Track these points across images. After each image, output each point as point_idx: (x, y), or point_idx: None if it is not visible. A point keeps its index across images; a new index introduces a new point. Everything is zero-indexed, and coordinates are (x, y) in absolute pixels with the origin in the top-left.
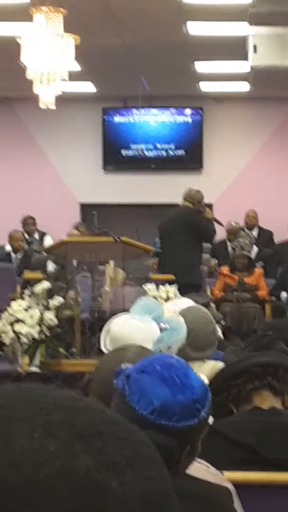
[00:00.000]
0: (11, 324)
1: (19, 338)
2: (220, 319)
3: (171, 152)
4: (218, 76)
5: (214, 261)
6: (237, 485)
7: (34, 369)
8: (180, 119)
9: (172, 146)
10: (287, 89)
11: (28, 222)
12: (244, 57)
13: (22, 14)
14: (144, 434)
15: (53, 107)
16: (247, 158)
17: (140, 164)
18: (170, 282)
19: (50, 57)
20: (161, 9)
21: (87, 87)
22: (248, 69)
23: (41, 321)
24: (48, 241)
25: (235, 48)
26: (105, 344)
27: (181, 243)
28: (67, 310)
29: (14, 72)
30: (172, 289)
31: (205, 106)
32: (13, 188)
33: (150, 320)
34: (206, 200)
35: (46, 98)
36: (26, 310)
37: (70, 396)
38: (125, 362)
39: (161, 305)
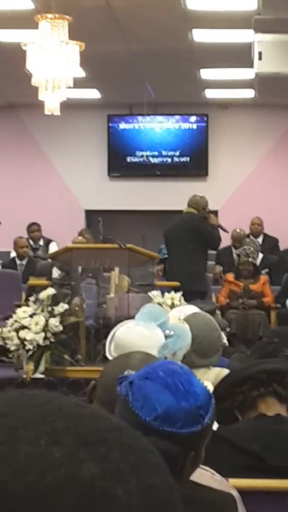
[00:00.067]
0: (16, 330)
1: (24, 344)
2: (225, 326)
3: (176, 159)
4: (223, 83)
5: (219, 268)
6: (242, 492)
7: (39, 375)
8: (185, 126)
9: (177, 153)
10: None
11: (33, 229)
12: (249, 64)
13: (27, 21)
14: (149, 440)
15: (58, 113)
16: (252, 165)
17: (145, 171)
18: (176, 289)
19: (55, 64)
20: (167, 16)
21: (92, 94)
22: (253, 76)
23: (46, 328)
24: (53, 248)
25: (240, 55)
26: (110, 350)
27: (186, 250)
28: (72, 317)
29: (19, 78)
30: (177, 296)
31: (210, 113)
32: (18, 194)
33: (155, 327)
34: (211, 207)
35: (51, 104)
36: (31, 316)
37: (74, 403)
38: (130, 368)
39: (166, 312)
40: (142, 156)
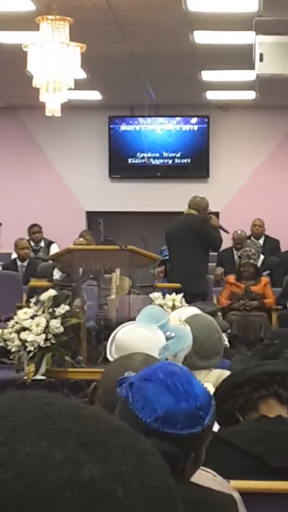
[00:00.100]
0: (17, 332)
1: (25, 346)
2: (227, 328)
3: (177, 161)
4: (224, 85)
5: (220, 270)
6: (244, 493)
7: (40, 377)
8: (186, 127)
9: (178, 155)
10: None
11: (34, 230)
12: (250, 66)
13: (28, 23)
14: (150, 442)
15: (59, 115)
16: (253, 166)
17: (146, 173)
18: (177, 291)
19: (56, 65)
20: (168, 18)
21: (93, 95)
22: (254, 78)
23: (47, 329)
24: (54, 249)
25: (241, 57)
26: (111, 352)
27: (187, 251)
28: (73, 318)
29: (20, 80)
30: (178, 298)
31: (211, 114)
32: (19, 196)
33: (156, 329)
34: (213, 208)
35: (52, 106)
36: (32, 318)
37: (75, 405)
38: (131, 370)
39: (167, 314)
40: (143, 157)
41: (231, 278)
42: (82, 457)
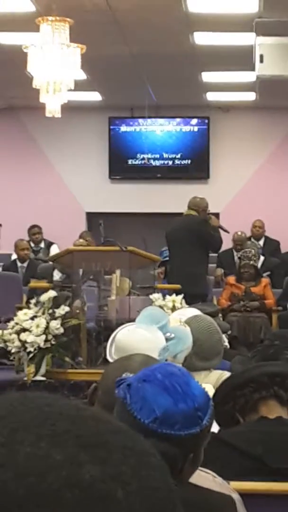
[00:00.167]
0: (17, 333)
1: (25, 347)
2: (227, 329)
3: (177, 162)
4: (224, 86)
5: (220, 271)
6: (244, 494)
7: (40, 378)
8: (187, 128)
9: (179, 156)
10: None
11: (34, 231)
12: (251, 67)
13: (28, 24)
14: (149, 443)
15: (59, 116)
16: (253, 167)
17: (146, 174)
18: (177, 292)
19: (56, 66)
20: (168, 19)
21: (93, 96)
22: (254, 79)
23: (47, 330)
24: (54, 250)
25: (241, 58)
26: (111, 353)
27: (187, 252)
28: (73, 319)
29: (20, 81)
30: (179, 299)
31: (211, 115)
32: (19, 197)
33: (155, 330)
34: (213, 210)
35: (53, 107)
36: (32, 319)
37: (75, 406)
38: (131, 371)
39: (166, 315)
40: (143, 158)
41: (231, 279)
42: (82, 458)
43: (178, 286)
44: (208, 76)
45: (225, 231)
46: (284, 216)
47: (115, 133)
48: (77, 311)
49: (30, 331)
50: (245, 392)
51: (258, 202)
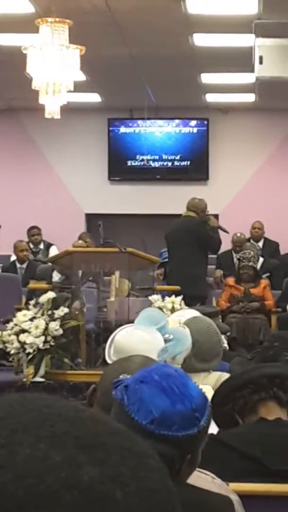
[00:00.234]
0: (16, 334)
1: (24, 348)
2: (227, 330)
3: (176, 163)
4: (223, 87)
5: (219, 272)
6: (243, 496)
7: (39, 379)
8: (186, 130)
9: (178, 157)
10: None
11: (34, 232)
12: (250, 68)
13: (28, 25)
14: (148, 444)
15: (58, 117)
16: (252, 169)
17: (146, 175)
18: (176, 293)
19: (55, 67)
20: (167, 20)
21: (93, 97)
22: (253, 80)
23: (46, 331)
24: (53, 252)
25: (241, 60)
26: (110, 354)
27: (186, 253)
28: (72, 320)
29: (20, 82)
30: (178, 300)
31: (211, 117)
32: (18, 198)
33: (154, 331)
34: (212, 211)
35: (52, 108)
36: (31, 320)
37: (74, 407)
38: (129, 372)
39: (165, 316)
40: (143, 160)
41: (231, 280)
42: (81, 459)
43: (177, 287)
44: (207, 78)
45: (225, 231)
46: (284, 217)
47: (115, 134)
48: (76, 312)
49: (29, 332)
50: (244, 394)
51: (258, 204)
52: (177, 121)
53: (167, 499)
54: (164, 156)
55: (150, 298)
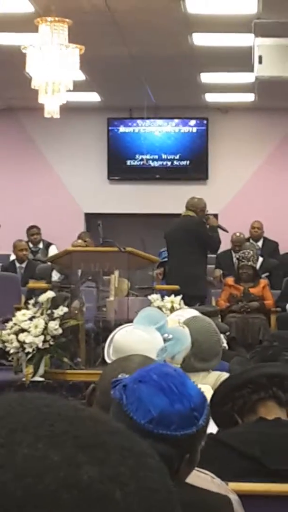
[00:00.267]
0: (16, 333)
1: (23, 347)
2: (226, 330)
3: (176, 163)
4: (223, 87)
5: (219, 272)
6: (242, 495)
7: (38, 378)
8: (185, 129)
9: (177, 157)
10: None
11: (33, 232)
12: (249, 68)
13: (27, 25)
14: (147, 444)
15: (58, 116)
16: (252, 168)
17: (145, 175)
18: (175, 293)
19: (55, 67)
20: (167, 20)
21: (92, 97)
22: (253, 80)
23: (45, 331)
24: (53, 251)
25: (240, 59)
26: (109, 354)
27: (185, 253)
28: (71, 320)
29: (19, 82)
30: (177, 300)
31: (210, 116)
32: (18, 197)
33: (153, 331)
34: (211, 210)
35: (51, 107)
36: (30, 319)
37: (73, 406)
38: (128, 372)
39: (164, 316)
40: (142, 159)
41: (230, 280)
42: (80, 459)
43: (176, 287)
44: (207, 77)
45: (225, 230)
46: (283, 217)
47: (114, 134)
48: (76, 311)
49: (28, 332)
50: (243, 393)
51: (257, 203)
52: (176, 120)
53: (167, 499)
54: (164, 156)
55: (149, 297)
